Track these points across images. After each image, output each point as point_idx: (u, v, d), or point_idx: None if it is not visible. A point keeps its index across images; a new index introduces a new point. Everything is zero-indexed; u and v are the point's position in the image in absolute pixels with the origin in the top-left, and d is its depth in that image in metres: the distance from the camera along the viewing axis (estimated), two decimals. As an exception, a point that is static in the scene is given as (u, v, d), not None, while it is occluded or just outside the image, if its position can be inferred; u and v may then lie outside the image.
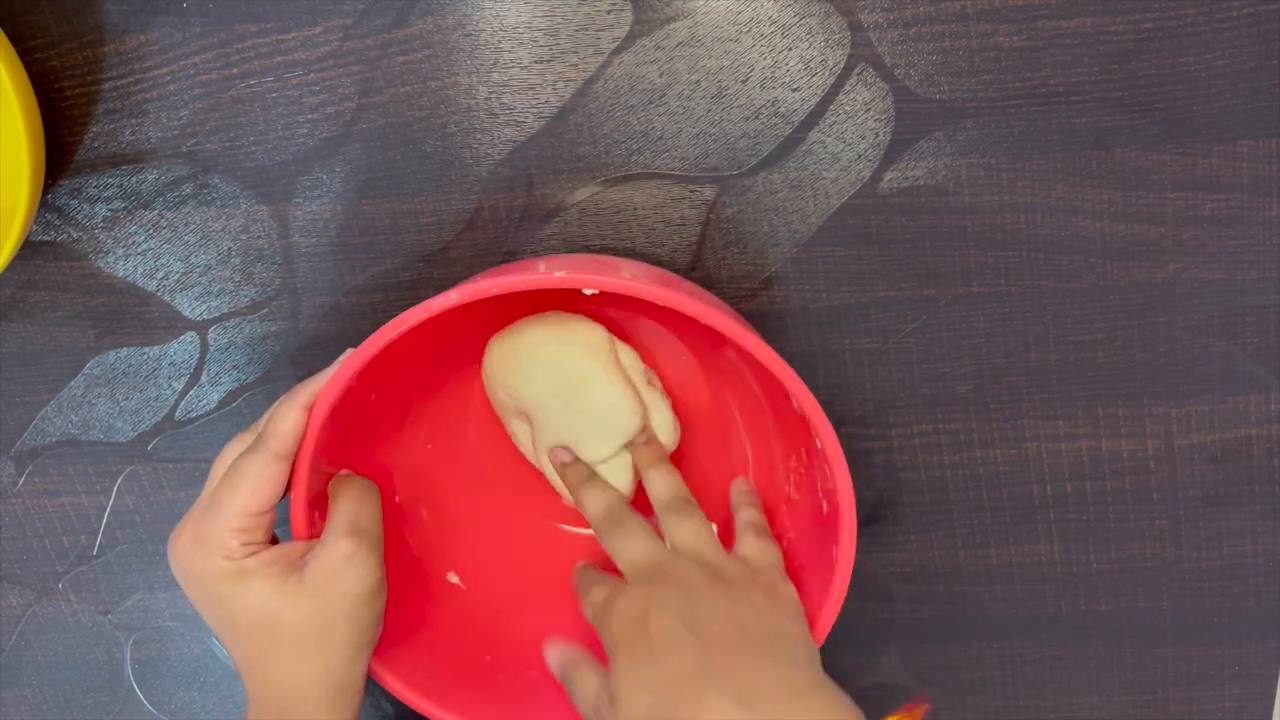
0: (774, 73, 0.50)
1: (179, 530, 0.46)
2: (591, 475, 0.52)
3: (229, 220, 0.53)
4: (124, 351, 0.56)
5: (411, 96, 0.51)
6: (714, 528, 0.50)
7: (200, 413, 0.56)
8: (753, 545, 0.50)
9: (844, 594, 0.47)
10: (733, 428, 0.55)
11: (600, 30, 0.50)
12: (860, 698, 0.60)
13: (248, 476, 0.45)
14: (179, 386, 0.56)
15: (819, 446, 0.46)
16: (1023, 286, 0.53)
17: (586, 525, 0.54)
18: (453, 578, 0.56)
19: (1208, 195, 0.52)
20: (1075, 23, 0.49)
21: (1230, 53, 0.50)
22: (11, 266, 0.54)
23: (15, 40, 0.50)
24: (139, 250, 0.54)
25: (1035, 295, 0.53)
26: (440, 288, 0.53)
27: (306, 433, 0.46)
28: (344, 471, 0.50)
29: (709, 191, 0.52)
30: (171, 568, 0.47)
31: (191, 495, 0.58)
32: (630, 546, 0.48)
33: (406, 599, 0.52)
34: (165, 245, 0.54)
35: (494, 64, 0.51)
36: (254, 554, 0.45)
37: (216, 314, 0.55)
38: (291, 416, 0.45)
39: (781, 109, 0.51)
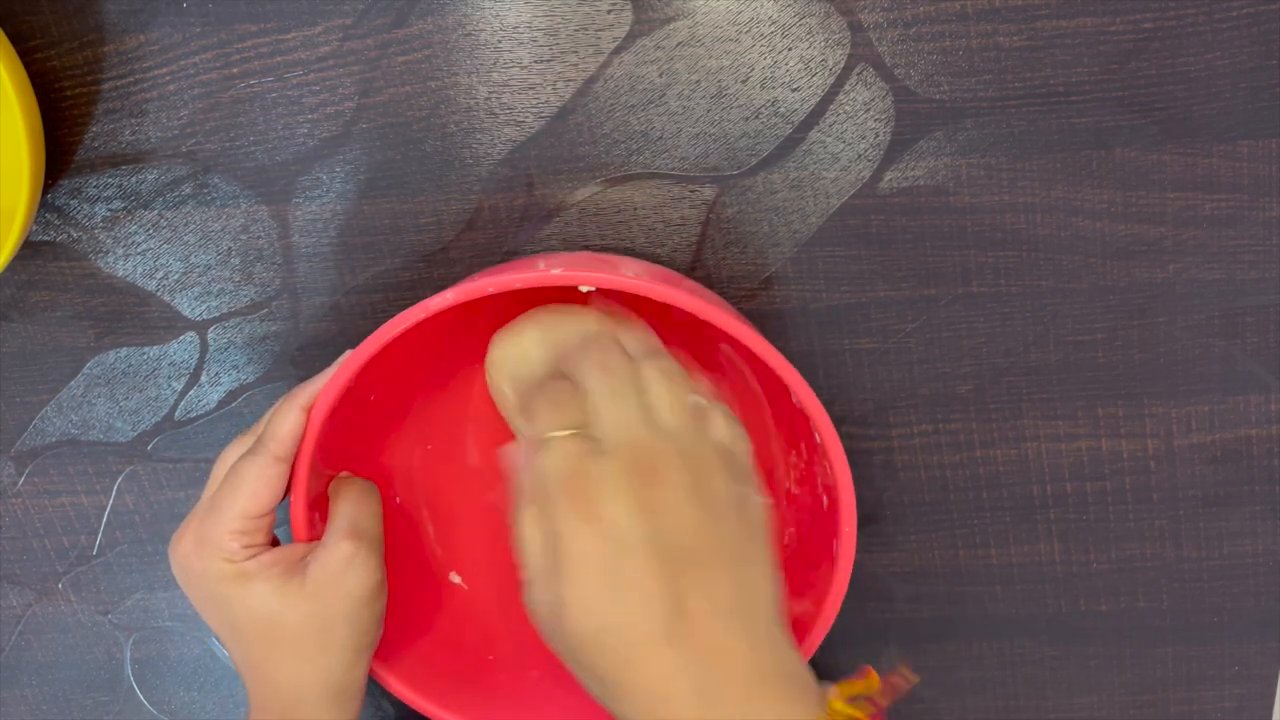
0: (774, 73, 0.50)
1: (180, 533, 0.47)
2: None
3: (229, 220, 0.53)
4: (124, 351, 0.56)
5: (411, 96, 0.51)
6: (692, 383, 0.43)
7: (200, 413, 0.56)
8: (722, 429, 0.42)
9: (844, 588, 0.47)
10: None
11: (600, 30, 0.50)
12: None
13: (247, 479, 0.45)
14: (179, 386, 0.56)
15: (818, 441, 0.46)
16: (1023, 286, 0.53)
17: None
18: (454, 578, 0.56)
19: (1208, 195, 0.52)
20: (1075, 23, 0.49)
21: (1230, 53, 0.50)
22: (11, 266, 0.54)
23: (15, 40, 0.50)
24: (139, 250, 0.54)
25: (1035, 295, 0.53)
26: (440, 288, 0.53)
27: (306, 434, 0.46)
28: (344, 473, 0.50)
29: (709, 191, 0.52)
30: (173, 570, 0.47)
31: (191, 495, 0.58)
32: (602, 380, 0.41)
33: (407, 600, 0.52)
34: (165, 245, 0.54)
35: (494, 64, 0.51)
36: (255, 556, 0.45)
37: (216, 314, 0.55)
38: (290, 418, 0.45)
39: (781, 109, 0.51)
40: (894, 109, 0.51)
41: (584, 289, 0.51)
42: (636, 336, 0.45)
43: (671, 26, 0.50)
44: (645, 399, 0.41)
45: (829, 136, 0.51)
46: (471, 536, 0.56)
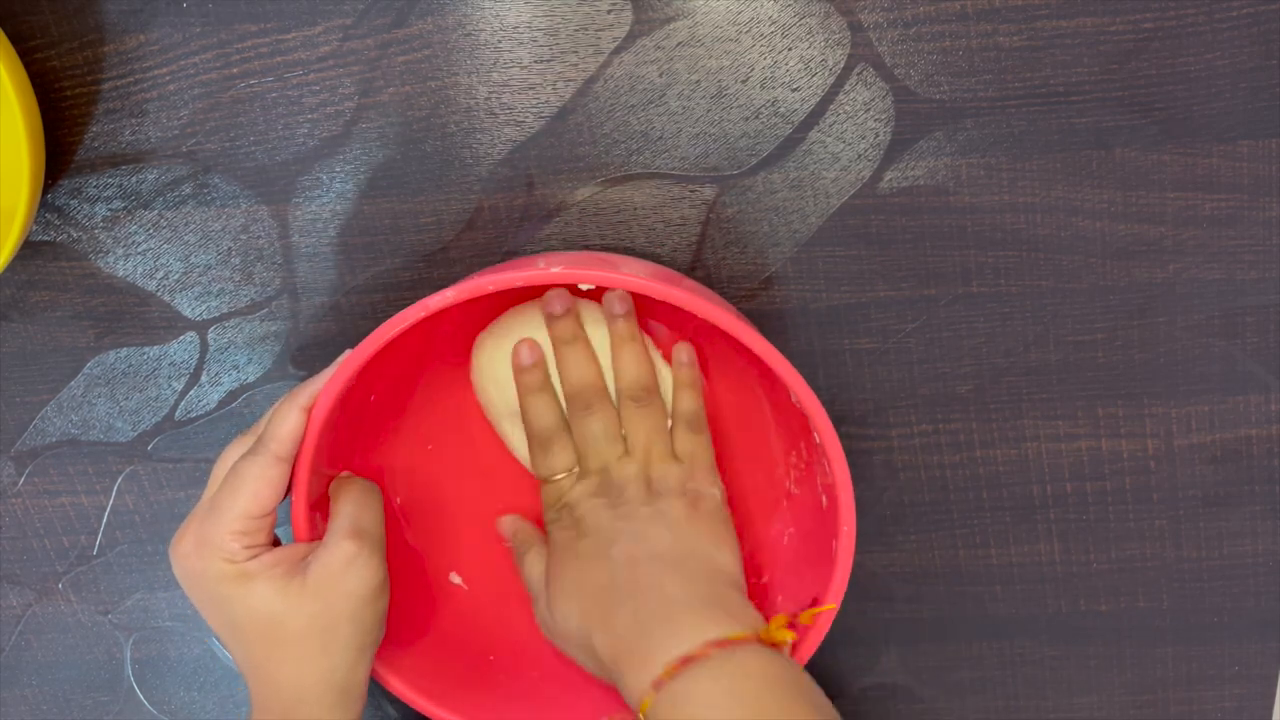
0: (774, 73, 0.50)
1: (180, 533, 0.47)
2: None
3: (229, 220, 0.53)
4: (124, 351, 0.56)
5: (411, 96, 0.51)
6: (669, 423, 0.52)
7: (200, 413, 0.56)
8: (685, 441, 0.51)
9: (844, 588, 0.47)
10: (731, 425, 0.54)
11: (600, 30, 0.50)
12: (860, 698, 0.60)
13: (248, 479, 0.45)
14: (179, 386, 0.56)
15: (817, 440, 0.46)
16: (1023, 286, 0.53)
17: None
18: (455, 578, 0.56)
19: (1208, 195, 0.52)
20: (1075, 23, 0.49)
21: (1230, 53, 0.50)
22: (11, 266, 0.54)
23: (15, 40, 0.50)
24: (139, 250, 0.54)
25: (1035, 295, 0.53)
26: (440, 287, 0.52)
27: (306, 434, 0.46)
28: (345, 473, 0.50)
29: (709, 191, 0.52)
30: (173, 570, 0.47)
31: (191, 495, 0.58)
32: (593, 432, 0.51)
33: (409, 600, 0.52)
34: (165, 245, 0.54)
35: (494, 64, 0.51)
36: (256, 556, 0.45)
37: (216, 314, 0.55)
38: (291, 418, 0.45)
39: (781, 109, 0.51)
40: (894, 109, 0.51)
41: (584, 287, 0.51)
42: (633, 361, 0.51)
43: (671, 26, 0.50)
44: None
45: (829, 136, 0.51)
46: (472, 537, 0.56)
